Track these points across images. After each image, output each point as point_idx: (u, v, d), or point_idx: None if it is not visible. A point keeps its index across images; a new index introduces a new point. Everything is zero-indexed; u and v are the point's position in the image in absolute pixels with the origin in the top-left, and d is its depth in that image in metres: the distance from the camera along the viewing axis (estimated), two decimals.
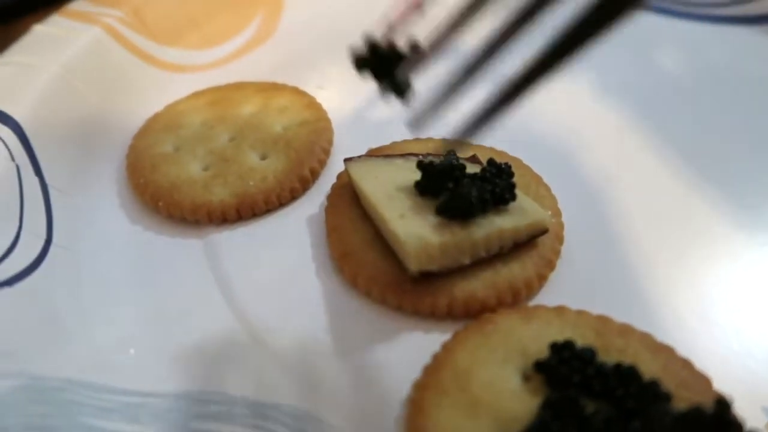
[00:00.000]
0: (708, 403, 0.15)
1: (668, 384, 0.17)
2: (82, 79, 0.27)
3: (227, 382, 0.19)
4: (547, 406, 0.16)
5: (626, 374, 0.17)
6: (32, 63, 0.26)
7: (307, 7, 0.34)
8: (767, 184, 0.24)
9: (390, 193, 0.22)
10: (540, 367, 0.18)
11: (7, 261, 0.19)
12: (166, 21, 0.31)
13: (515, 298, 0.20)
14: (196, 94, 0.28)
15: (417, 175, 0.22)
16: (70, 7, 0.29)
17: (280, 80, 0.29)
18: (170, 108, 0.28)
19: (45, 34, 0.27)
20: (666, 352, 0.18)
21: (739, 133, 0.26)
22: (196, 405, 0.18)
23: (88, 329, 0.20)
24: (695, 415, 0.15)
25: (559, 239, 0.22)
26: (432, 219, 0.20)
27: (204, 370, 0.19)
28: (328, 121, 0.27)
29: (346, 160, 0.23)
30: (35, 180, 0.23)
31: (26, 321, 0.18)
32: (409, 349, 0.19)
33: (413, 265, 0.20)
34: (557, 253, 0.22)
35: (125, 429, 0.17)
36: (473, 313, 0.20)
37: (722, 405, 0.15)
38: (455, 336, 0.19)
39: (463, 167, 0.21)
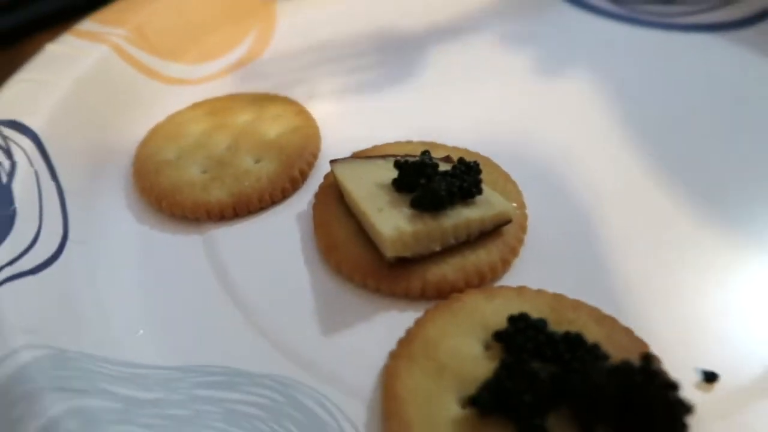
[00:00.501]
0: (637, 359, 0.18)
1: (609, 348, 0.19)
2: (91, 93, 0.29)
3: (225, 356, 0.21)
4: (502, 367, 0.19)
5: (573, 340, 0.19)
6: (47, 79, 0.28)
7: (298, 25, 0.37)
8: (729, 178, 0.27)
9: (370, 189, 0.24)
10: (498, 336, 0.20)
11: (30, 253, 0.22)
12: (167, 38, 0.33)
13: (481, 281, 0.23)
14: (196, 105, 0.31)
15: (395, 174, 0.24)
16: (79, 27, 0.32)
17: (272, 91, 0.32)
18: (172, 118, 0.30)
19: (57, 53, 0.30)
20: (610, 322, 0.21)
21: (703, 134, 0.29)
22: (199, 376, 0.21)
23: (101, 312, 0.22)
24: (625, 367, 0.17)
25: (523, 229, 0.25)
26: (407, 211, 0.23)
27: (205, 347, 0.22)
28: (316, 127, 0.30)
29: (332, 162, 0.26)
30: (52, 184, 0.25)
31: (48, 304, 0.21)
32: (387, 326, 0.22)
33: (389, 252, 0.22)
34: (521, 241, 0.24)
35: (137, 395, 0.20)
36: (443, 294, 0.23)
37: (647, 358, 0.17)
38: (426, 313, 0.22)
39: (436, 165, 0.24)
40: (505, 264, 0.24)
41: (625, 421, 0.17)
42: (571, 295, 0.22)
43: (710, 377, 0.20)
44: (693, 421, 0.18)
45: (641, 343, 0.20)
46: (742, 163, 0.27)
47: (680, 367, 0.20)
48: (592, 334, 0.20)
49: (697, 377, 0.20)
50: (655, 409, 0.17)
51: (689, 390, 0.20)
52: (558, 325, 0.21)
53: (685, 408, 0.17)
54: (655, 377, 0.17)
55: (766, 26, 0.34)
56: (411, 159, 0.24)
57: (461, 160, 0.24)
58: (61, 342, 0.20)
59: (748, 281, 0.23)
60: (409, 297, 0.23)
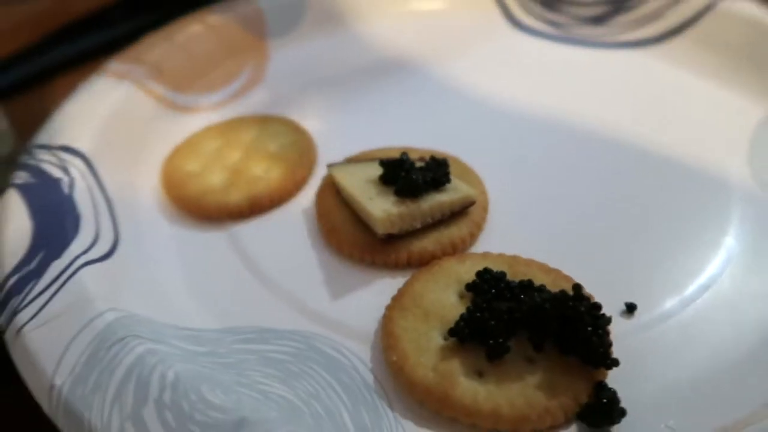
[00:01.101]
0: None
1: (552, 288, 0.25)
2: (122, 121, 0.35)
3: (256, 319, 0.27)
4: (473, 305, 0.25)
5: (526, 285, 0.25)
6: (85, 111, 0.34)
7: (286, 58, 0.43)
8: (648, 163, 0.33)
9: (361, 184, 0.30)
10: (468, 287, 0.26)
11: (95, 247, 0.27)
12: (179, 73, 0.39)
13: (454, 250, 0.29)
14: (208, 128, 0.37)
15: (380, 171, 0.30)
16: (105, 66, 0.38)
17: (271, 113, 0.38)
18: (189, 139, 0.36)
19: (89, 89, 0.36)
20: (555, 272, 0.27)
21: (629, 133, 0.35)
22: (236, 334, 0.26)
23: (156, 289, 0.27)
24: (562, 296, 0.23)
25: (485, 209, 0.31)
26: (392, 198, 0.29)
27: (238, 314, 0.27)
28: (311, 140, 0.36)
29: (328, 165, 0.32)
30: (101, 195, 0.31)
31: (116, 282, 0.26)
32: (382, 288, 0.28)
33: (380, 230, 0.28)
34: (484, 218, 0.30)
35: (192, 348, 0.25)
36: (425, 261, 0.28)
37: (576, 287, 0.23)
38: (413, 275, 0.27)
39: (413, 162, 0.30)
40: (473, 236, 0.30)
41: (565, 336, 0.23)
42: (524, 257, 0.28)
43: (631, 307, 0.26)
44: (617, 339, 0.24)
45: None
46: (659, 154, 0.34)
47: (609, 302, 0.26)
48: (540, 281, 0.26)
49: (622, 308, 0.26)
50: (584, 323, 0.23)
51: (615, 318, 0.26)
52: (514, 277, 0.27)
53: (605, 321, 0.23)
54: (583, 301, 0.23)
55: (678, 41, 0.41)
56: (393, 158, 0.30)
57: (432, 158, 0.30)
58: (131, 309, 0.25)
59: (660, 240, 0.29)
60: (398, 266, 0.29)
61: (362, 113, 0.38)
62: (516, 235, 0.30)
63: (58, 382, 0.22)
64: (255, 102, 0.40)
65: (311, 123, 0.37)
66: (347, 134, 0.37)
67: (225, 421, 0.21)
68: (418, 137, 0.35)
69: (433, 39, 0.44)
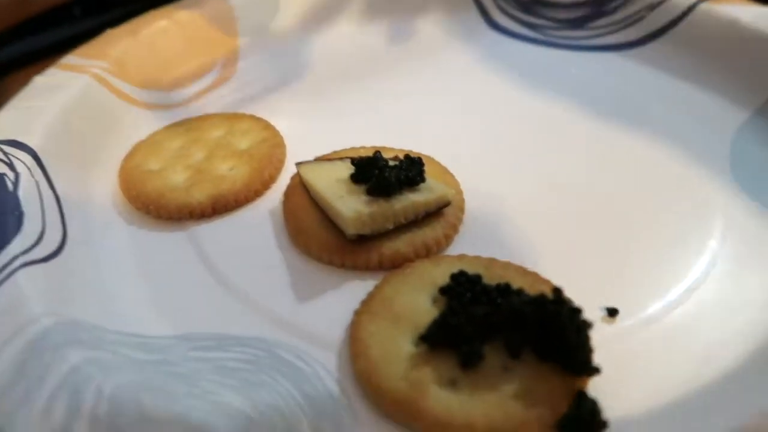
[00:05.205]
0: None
1: (530, 292, 0.24)
2: (78, 116, 0.33)
3: (214, 325, 0.25)
4: (447, 309, 0.23)
5: (502, 289, 0.24)
6: (38, 105, 0.32)
7: (257, 54, 0.42)
8: (627, 165, 0.32)
9: (331, 183, 0.28)
10: (443, 290, 0.24)
11: (39, 246, 0.25)
12: (143, 69, 0.37)
13: (428, 253, 0.27)
14: (173, 125, 0.35)
15: (351, 170, 0.29)
16: (64, 61, 0.36)
17: (239, 111, 0.36)
18: (151, 136, 0.34)
19: (46, 83, 0.34)
20: (533, 275, 0.25)
21: (607, 134, 0.34)
22: (192, 341, 0.24)
23: (104, 293, 0.25)
24: (541, 299, 0.22)
25: (461, 210, 0.29)
26: (363, 197, 0.27)
27: (196, 319, 0.25)
28: (281, 138, 0.34)
29: (297, 164, 0.30)
30: (50, 192, 0.28)
31: (59, 285, 0.24)
32: (351, 292, 0.26)
33: (351, 230, 0.26)
34: (459, 219, 0.29)
35: (141, 356, 0.23)
36: (397, 264, 0.27)
37: (557, 290, 0.22)
38: (384, 278, 0.26)
39: (386, 161, 0.29)
40: (448, 238, 0.28)
41: (544, 341, 0.22)
42: (501, 259, 0.26)
43: (612, 312, 0.25)
44: (597, 345, 0.23)
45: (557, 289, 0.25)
46: (639, 157, 0.33)
47: (588, 306, 0.24)
48: (518, 284, 0.25)
49: (602, 313, 0.25)
50: (565, 328, 0.21)
51: (596, 323, 0.24)
52: (491, 280, 0.25)
53: (587, 325, 0.22)
54: (564, 304, 0.22)
55: (658, 44, 0.41)
56: (365, 157, 0.29)
57: (407, 156, 0.29)
58: (73, 314, 0.23)
59: (642, 242, 0.28)
60: (368, 268, 0.27)
61: (335, 113, 0.37)
62: (492, 237, 0.29)
63: None
64: (223, 99, 0.38)
65: (281, 121, 0.35)
66: (319, 134, 0.35)
67: None
68: (393, 137, 0.33)
69: (415, 41, 0.42)
